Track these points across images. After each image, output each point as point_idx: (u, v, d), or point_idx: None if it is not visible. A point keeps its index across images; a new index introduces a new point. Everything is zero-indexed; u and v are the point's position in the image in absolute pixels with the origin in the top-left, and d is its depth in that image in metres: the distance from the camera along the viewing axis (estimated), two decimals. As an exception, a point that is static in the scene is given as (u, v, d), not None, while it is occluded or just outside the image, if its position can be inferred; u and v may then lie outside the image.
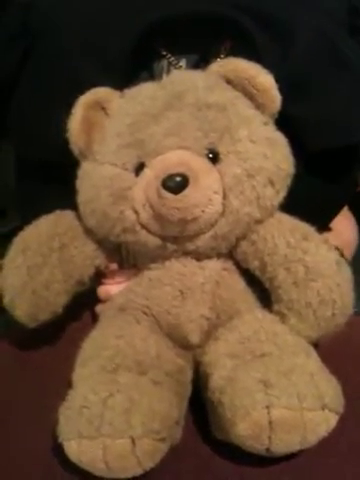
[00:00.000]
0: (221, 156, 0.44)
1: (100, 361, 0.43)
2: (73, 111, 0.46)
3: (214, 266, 0.47)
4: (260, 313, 0.46)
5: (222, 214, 0.43)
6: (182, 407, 0.43)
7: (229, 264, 0.48)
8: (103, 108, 0.47)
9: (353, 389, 0.42)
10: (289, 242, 0.45)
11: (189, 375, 0.46)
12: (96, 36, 0.49)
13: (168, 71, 0.51)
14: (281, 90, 0.45)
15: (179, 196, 0.41)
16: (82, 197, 0.47)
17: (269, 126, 0.45)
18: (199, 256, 0.47)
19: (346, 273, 0.45)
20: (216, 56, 0.50)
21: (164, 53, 0.51)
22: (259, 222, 0.45)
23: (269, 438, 0.38)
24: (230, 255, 0.48)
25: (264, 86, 0.44)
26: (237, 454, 0.41)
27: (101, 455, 0.38)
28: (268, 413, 0.37)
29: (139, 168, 0.44)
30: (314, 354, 0.43)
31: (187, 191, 0.41)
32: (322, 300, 0.43)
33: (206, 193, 0.42)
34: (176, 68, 0.52)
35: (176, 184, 0.41)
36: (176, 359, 0.45)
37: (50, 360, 0.52)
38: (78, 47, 0.49)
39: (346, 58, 0.49)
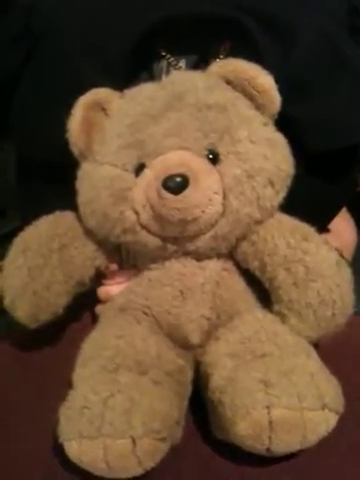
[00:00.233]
0: (221, 157, 0.44)
1: (100, 361, 0.43)
2: (73, 112, 0.46)
3: (214, 266, 0.47)
4: (260, 313, 0.46)
5: (222, 214, 0.43)
6: (182, 407, 0.43)
7: (229, 264, 0.48)
8: (103, 109, 0.47)
9: (353, 389, 0.42)
10: (289, 242, 0.45)
11: (189, 375, 0.46)
12: (97, 36, 0.49)
13: (168, 72, 0.52)
14: (281, 91, 0.45)
15: (179, 197, 0.41)
16: (82, 198, 0.47)
17: (269, 127, 0.46)
18: (199, 256, 0.47)
19: (346, 273, 0.45)
20: (215, 57, 0.51)
21: (164, 54, 0.52)
22: (259, 222, 0.45)
23: (269, 438, 0.38)
24: (230, 255, 0.48)
25: (264, 87, 0.45)
26: (237, 454, 0.41)
27: (102, 455, 0.38)
28: (268, 413, 0.37)
29: (139, 169, 0.44)
30: (314, 354, 0.43)
31: (187, 192, 0.41)
32: (322, 300, 0.43)
33: (206, 193, 0.42)
34: (176, 69, 0.52)
35: (176, 184, 0.41)
36: (176, 359, 0.46)
37: (51, 361, 0.52)
38: (79, 48, 0.49)
39: (347, 59, 0.49)
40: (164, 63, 0.52)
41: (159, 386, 0.42)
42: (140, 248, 0.47)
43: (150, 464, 0.39)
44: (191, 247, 0.45)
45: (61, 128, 0.46)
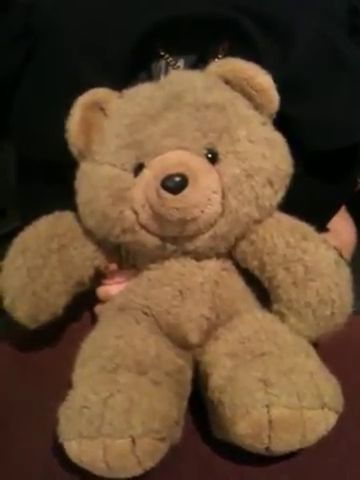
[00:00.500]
0: (220, 156, 0.44)
1: (100, 361, 0.43)
2: (71, 112, 0.46)
3: (213, 266, 0.47)
4: (260, 313, 0.46)
5: (221, 214, 0.43)
6: (182, 407, 0.43)
7: (228, 264, 0.48)
8: (102, 109, 0.47)
9: (353, 389, 0.42)
10: (288, 242, 0.45)
11: (189, 375, 0.46)
12: (96, 36, 0.49)
13: (166, 71, 0.52)
14: (280, 91, 0.45)
15: (178, 196, 0.41)
16: (81, 198, 0.47)
17: (268, 126, 0.46)
18: (198, 256, 0.47)
19: (345, 273, 0.45)
20: (214, 56, 0.51)
21: (162, 53, 0.52)
22: (258, 222, 0.45)
23: (269, 437, 0.38)
24: (229, 255, 0.48)
25: (262, 86, 0.45)
26: (237, 454, 0.41)
27: (101, 455, 0.38)
28: (268, 412, 0.37)
29: (138, 169, 0.44)
30: (314, 353, 0.43)
31: (186, 191, 0.41)
32: (321, 299, 0.43)
33: (205, 193, 0.42)
34: (174, 68, 0.52)
35: (175, 184, 0.41)
36: (176, 359, 0.46)
37: (50, 361, 0.52)
38: (78, 47, 0.49)
39: (346, 59, 0.49)
40: (163, 63, 0.52)
41: (158, 386, 0.42)
42: (139, 248, 0.47)
43: (150, 464, 0.39)
44: (190, 247, 0.45)
45: (61, 128, 0.46)
